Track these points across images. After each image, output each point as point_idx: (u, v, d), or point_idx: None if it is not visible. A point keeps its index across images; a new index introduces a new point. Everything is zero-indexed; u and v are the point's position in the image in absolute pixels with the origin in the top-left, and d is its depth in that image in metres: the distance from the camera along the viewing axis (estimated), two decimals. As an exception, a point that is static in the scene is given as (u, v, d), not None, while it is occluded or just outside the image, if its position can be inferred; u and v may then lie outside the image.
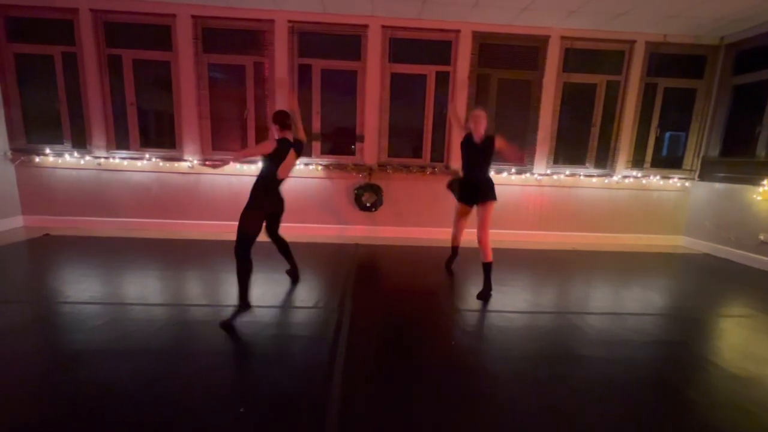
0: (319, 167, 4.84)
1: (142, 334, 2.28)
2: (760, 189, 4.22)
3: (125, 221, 4.87)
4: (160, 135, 4.86)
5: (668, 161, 5.20)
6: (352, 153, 4.98)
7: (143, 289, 3.00)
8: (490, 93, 4.92)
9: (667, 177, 5.07)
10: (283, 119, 2.72)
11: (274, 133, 2.74)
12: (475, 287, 3.21)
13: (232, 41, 4.64)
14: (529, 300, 3.12)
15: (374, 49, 4.65)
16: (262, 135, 4.83)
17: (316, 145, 4.94)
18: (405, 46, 4.75)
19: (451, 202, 4.94)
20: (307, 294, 3.03)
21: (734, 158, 4.72)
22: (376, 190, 4.92)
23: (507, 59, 4.84)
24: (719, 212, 4.80)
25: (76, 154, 4.68)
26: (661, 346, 2.44)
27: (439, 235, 5.02)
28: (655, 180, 5.07)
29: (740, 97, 4.74)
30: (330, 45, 4.72)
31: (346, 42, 4.70)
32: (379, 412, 1.70)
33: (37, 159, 4.65)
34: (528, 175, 4.99)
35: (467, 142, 3.28)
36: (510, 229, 5.11)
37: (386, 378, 1.97)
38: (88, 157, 4.70)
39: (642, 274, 3.91)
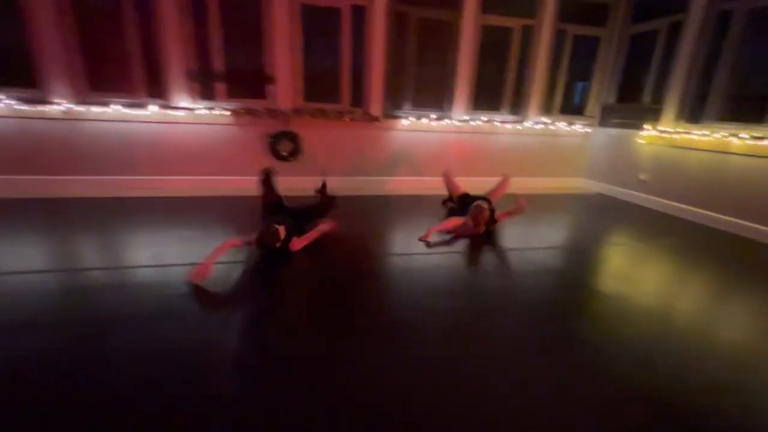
0: (225, 112, 4.35)
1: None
2: (643, 133, 4.70)
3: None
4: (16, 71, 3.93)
5: (575, 108, 5.54)
6: (262, 96, 4.53)
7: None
8: (409, 33, 4.69)
9: (572, 123, 5.43)
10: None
11: None
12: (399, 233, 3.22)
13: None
14: (436, 242, 3.22)
15: (280, -26, 4.10)
16: (152, 70, 4.15)
17: (221, 88, 4.40)
18: (315, -26, 4.25)
19: (370, 150, 4.80)
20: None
21: (626, 105, 5.16)
22: (293, 137, 4.60)
23: (426, -4, 4.59)
24: (612, 155, 5.32)
25: None
26: (550, 274, 2.72)
27: (362, 184, 4.93)
28: (561, 126, 5.40)
29: (637, 45, 5.08)
30: (226, -35, 4.05)
31: (245, -37, 4.07)
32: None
33: None
34: (447, 121, 5.01)
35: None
36: (431, 175, 5.18)
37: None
38: None
39: (544, 214, 4.26)
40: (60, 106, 3.97)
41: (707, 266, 3.02)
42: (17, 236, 2.91)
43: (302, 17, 4.36)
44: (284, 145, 4.60)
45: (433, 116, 4.92)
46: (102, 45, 4.05)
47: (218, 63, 4.32)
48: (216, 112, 4.33)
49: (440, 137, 5.06)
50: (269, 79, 4.44)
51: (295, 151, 4.65)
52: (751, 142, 3.57)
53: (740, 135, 3.65)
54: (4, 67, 3.91)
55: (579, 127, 5.47)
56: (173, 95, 4.24)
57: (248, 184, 4.63)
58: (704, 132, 3.99)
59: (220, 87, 4.40)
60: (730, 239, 3.60)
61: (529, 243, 3.37)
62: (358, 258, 2.87)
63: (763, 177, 3.54)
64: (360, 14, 4.49)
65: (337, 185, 4.84)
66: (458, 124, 5.03)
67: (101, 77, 4.12)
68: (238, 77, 4.45)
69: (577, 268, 2.90)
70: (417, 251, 2.96)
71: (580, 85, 5.50)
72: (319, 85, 4.69)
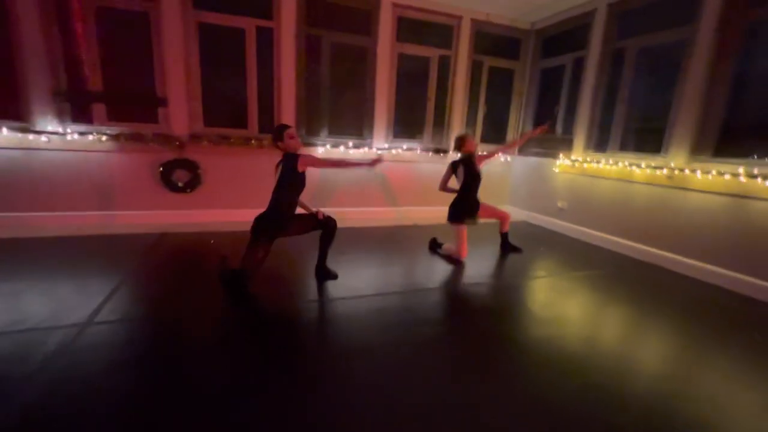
0: (103, 137, 3.74)
1: None
2: (557, 162, 4.78)
3: None
4: None
5: (495, 137, 5.59)
6: (153, 120, 3.99)
7: None
8: (322, 56, 4.46)
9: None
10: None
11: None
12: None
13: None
14: (371, 276, 2.85)
15: (169, -13, 3.70)
16: (7, 89, 3.48)
17: (99, 108, 3.81)
18: (214, -8, 3.91)
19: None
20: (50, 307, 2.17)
21: (541, 135, 5.28)
22: (190, 166, 4.08)
23: (340, 20, 4.41)
24: (532, 183, 5.38)
25: None
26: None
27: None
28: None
29: (547, 78, 5.28)
30: (104, -26, 3.58)
31: (127, -27, 3.63)
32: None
33: None
34: (366, 149, 4.77)
35: (467, 165, 3.48)
36: (354, 206, 4.87)
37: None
38: None
39: (471, 242, 4.04)
40: None
41: (618, 298, 2.92)
42: None
43: (201, 36, 3.96)
44: (179, 175, 4.06)
45: (350, 144, 4.66)
46: (-65, 56, 3.34)
47: (95, 82, 3.74)
48: (92, 137, 3.71)
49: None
50: (159, 101, 3.92)
51: (193, 182, 4.11)
52: (650, 171, 3.67)
53: (641, 164, 3.75)
54: None
55: (500, 156, 5.50)
56: (34, 117, 3.57)
57: (135, 219, 4.02)
58: (609, 161, 4.09)
59: (98, 109, 3.80)
60: (638, 266, 3.61)
61: (451, 276, 3.13)
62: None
63: (661, 204, 3.63)
64: (267, 35, 4.19)
65: (243, 218, 4.38)
66: (378, 152, 4.80)
67: (-66, 94, 3.38)
68: (121, 98, 3.89)
69: (500, 302, 2.69)
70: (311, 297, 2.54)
71: (497, 113, 5.58)
72: (223, 109, 4.26)
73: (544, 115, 5.25)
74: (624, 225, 3.99)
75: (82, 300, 2.28)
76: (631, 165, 3.85)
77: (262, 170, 4.36)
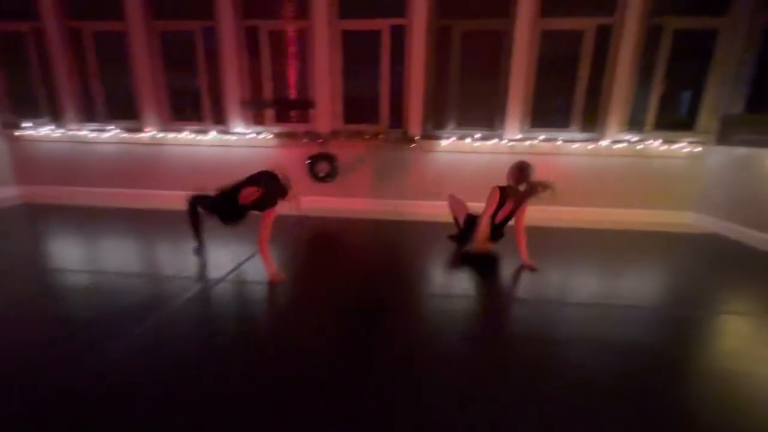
0: (270, 136, 4.68)
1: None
2: (779, 154, 3.32)
3: (102, 191, 5.14)
4: (123, 107, 4.97)
5: (678, 122, 4.29)
6: (306, 120, 4.74)
7: (121, 259, 3.05)
8: (452, 49, 4.34)
9: (672, 141, 4.20)
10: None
11: None
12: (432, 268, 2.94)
13: (181, 5, 4.53)
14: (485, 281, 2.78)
15: (321, 3, 4.26)
16: (215, 101, 4.76)
17: (270, 114, 4.77)
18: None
19: (407, 173, 4.53)
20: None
21: (758, 116, 3.75)
22: (330, 159, 4.68)
23: (472, 6, 4.20)
24: (737, 183, 3.91)
25: (53, 126, 4.97)
26: (643, 347, 1.94)
27: (394, 207, 4.70)
28: (656, 145, 4.22)
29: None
30: (275, 2, 4.42)
31: (291, -1, 4.38)
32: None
33: (23, 133, 5.01)
34: (496, 141, 4.41)
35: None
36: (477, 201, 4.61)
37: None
38: (62, 130, 4.97)
39: (629, 258, 3.29)
40: (150, 133, 4.85)
41: None
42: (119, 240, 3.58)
43: (343, 42, 4.45)
44: (321, 167, 4.70)
45: (478, 135, 4.40)
46: (180, 82, 4.83)
47: (268, 92, 4.70)
48: (262, 136, 4.70)
49: (487, 159, 4.48)
50: (310, 104, 4.62)
51: (331, 173, 4.70)
52: None
53: None
54: (115, 104, 4.98)
55: (684, 146, 4.20)
56: (231, 122, 4.76)
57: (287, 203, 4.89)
58: None
59: (269, 113, 4.77)
60: None
61: (604, 297, 2.54)
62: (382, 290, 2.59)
63: None
64: (400, 34, 4.36)
65: (371, 207, 4.75)
66: (509, 144, 4.38)
67: (178, 109, 4.91)
68: (285, 104, 4.77)
69: (667, 340, 2.04)
70: (453, 291, 2.58)
71: (684, 92, 4.24)
72: (359, 107, 4.68)
73: (763, 90, 3.72)
74: None
75: (226, 261, 2.96)
76: None
77: (387, 162, 4.64)
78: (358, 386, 1.59)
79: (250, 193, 2.50)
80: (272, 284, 2.55)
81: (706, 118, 4.18)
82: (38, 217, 4.23)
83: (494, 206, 2.90)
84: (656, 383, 1.64)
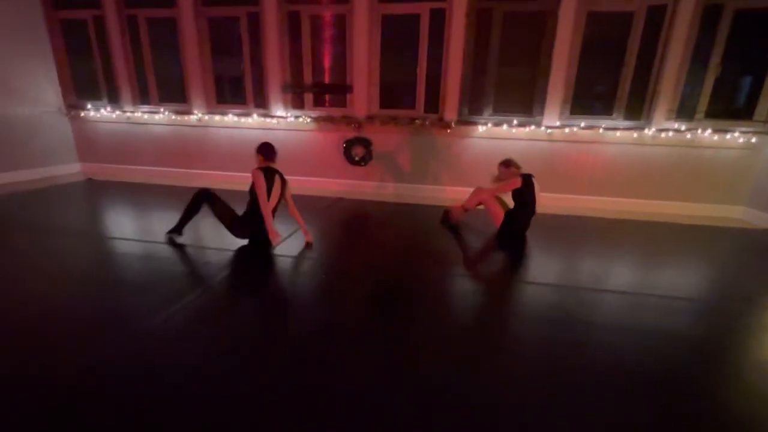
0: (308, 119, 4.83)
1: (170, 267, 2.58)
2: None
3: (150, 169, 5.52)
4: (173, 90, 5.26)
5: (731, 111, 4.04)
6: (343, 104, 4.84)
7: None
8: (493, 31, 4.27)
9: (724, 131, 3.97)
10: (267, 151, 2.88)
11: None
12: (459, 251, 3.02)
13: (227, -8, 4.71)
14: (537, 271, 2.80)
15: (361, -12, 4.30)
16: (258, 85, 4.95)
17: (309, 97, 4.91)
18: (395, -18, 4.31)
19: (441, 158, 4.54)
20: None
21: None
22: (365, 143, 4.78)
23: (515, -13, 4.10)
24: (797, 177, 3.66)
25: (110, 108, 5.36)
26: (687, 339, 1.92)
27: (429, 192, 4.76)
28: (706, 135, 4.01)
29: None
30: (317, -12, 4.50)
31: (332, -17, 4.43)
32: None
33: (82, 114, 5.45)
34: (534, 127, 4.34)
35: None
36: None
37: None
38: (118, 112, 5.35)
39: (676, 251, 3.22)
40: (196, 115, 5.13)
41: None
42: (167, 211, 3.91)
43: (382, 26, 4.48)
44: (357, 150, 4.81)
45: (515, 122, 4.34)
46: (226, 67, 5.05)
47: (308, 76, 4.83)
48: (301, 119, 4.85)
49: (523, 145, 4.42)
50: (347, 88, 4.72)
51: (366, 156, 4.80)
52: None
53: None
54: (166, 88, 5.28)
55: (738, 137, 3.96)
56: (272, 105, 4.95)
57: (322, 185, 5.06)
58: None
59: (308, 97, 4.90)
60: None
61: (649, 287, 2.48)
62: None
63: None
64: (439, 17, 4.33)
65: (405, 192, 4.83)
66: (548, 131, 4.30)
67: (223, 93, 5.15)
68: (323, 88, 4.88)
69: (712, 330, 2.02)
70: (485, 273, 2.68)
71: (742, 77, 3.97)
72: (396, 91, 4.72)
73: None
74: None
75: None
76: None
77: (422, 147, 4.68)
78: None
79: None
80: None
81: (766, 106, 3.91)
82: (99, 192, 4.63)
83: (509, 189, 3.21)
84: (696, 370, 1.66)
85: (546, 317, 2.08)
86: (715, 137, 4.00)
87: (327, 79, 4.84)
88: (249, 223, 2.82)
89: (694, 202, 4.27)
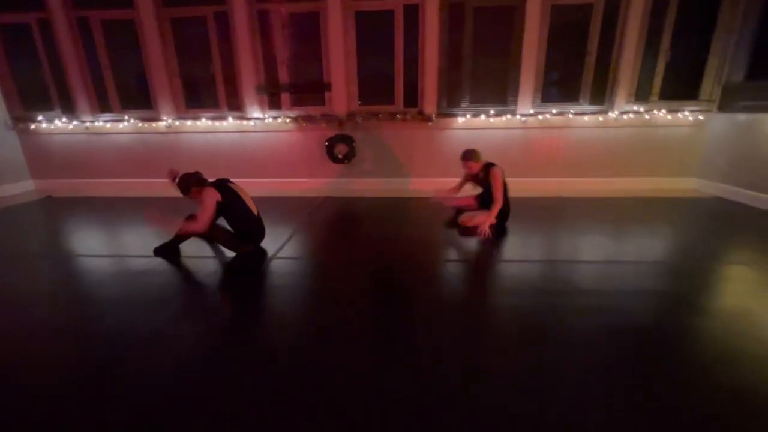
0: (287, 120, 4.75)
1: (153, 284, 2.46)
2: (781, 117, 3.54)
3: (116, 182, 5.19)
4: (137, 96, 4.96)
5: (681, 92, 4.48)
6: (322, 103, 4.81)
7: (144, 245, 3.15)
8: (465, 26, 4.42)
9: (676, 110, 4.40)
10: (196, 179, 2.66)
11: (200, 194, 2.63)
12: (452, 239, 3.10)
13: (191, -9, 4.50)
14: (516, 249, 2.97)
15: (334, -15, 4.29)
16: (230, 87, 4.79)
17: (285, 98, 4.83)
18: (367, -21, 4.33)
19: (424, 151, 4.65)
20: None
21: (762, 81, 3.95)
22: (347, 140, 4.78)
23: (484, -18, 4.27)
24: (738, 148, 4.14)
25: (65, 119, 4.96)
26: (654, 296, 2.17)
27: (416, 185, 4.86)
28: (661, 114, 4.42)
29: (776, 3, 3.87)
30: (288, -15, 4.42)
31: (303, -20, 4.38)
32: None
33: (33, 126, 4.99)
34: (509, 116, 4.56)
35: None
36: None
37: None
38: (75, 122, 4.96)
39: (637, 221, 3.53)
40: (165, 122, 4.87)
41: None
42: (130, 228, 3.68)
43: (356, 23, 4.49)
44: (339, 148, 4.81)
45: (492, 112, 4.54)
46: (194, 69, 4.83)
47: (283, 76, 4.74)
48: (280, 120, 4.76)
49: (501, 134, 4.64)
50: (326, 86, 4.69)
51: (349, 154, 4.81)
52: None
53: None
54: (128, 94, 4.97)
55: (687, 115, 4.40)
56: (247, 107, 4.81)
57: (306, 185, 5.01)
58: None
59: (285, 97, 4.82)
60: None
61: (618, 256, 2.78)
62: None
63: None
64: (413, 13, 4.41)
65: (389, 187, 4.90)
66: (522, 119, 4.54)
67: (194, 96, 4.93)
68: (300, 87, 4.81)
69: (677, 288, 2.26)
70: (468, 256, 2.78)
71: (687, 61, 4.41)
72: (374, 87, 4.76)
73: (765, 56, 3.91)
74: None
75: (270, 240, 3.11)
76: None
77: (405, 141, 4.77)
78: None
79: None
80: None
81: (709, 86, 4.38)
82: (57, 210, 4.26)
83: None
84: (674, 319, 1.90)
85: (537, 289, 2.29)
86: (669, 116, 4.42)
87: (303, 78, 4.78)
88: (248, 233, 2.79)
89: (652, 176, 4.70)
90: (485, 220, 3.11)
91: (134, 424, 1.32)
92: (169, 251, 2.79)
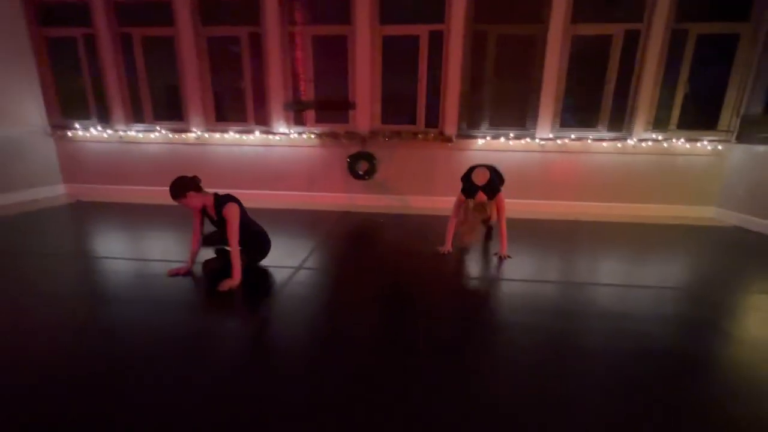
0: (312, 136, 4.92)
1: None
2: (801, 150, 3.58)
3: (143, 189, 5.37)
4: (169, 108, 5.20)
5: (699, 122, 4.55)
6: (346, 120, 4.98)
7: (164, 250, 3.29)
8: (487, 52, 4.59)
9: (695, 140, 4.46)
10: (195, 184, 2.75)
11: (197, 200, 2.72)
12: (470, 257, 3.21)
13: (228, 12, 4.76)
14: (533, 270, 3.00)
15: (363, 10, 4.51)
16: (259, 102, 4.99)
17: (310, 114, 5.01)
18: (395, 5, 4.55)
19: (443, 171, 4.66)
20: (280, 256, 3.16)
21: (778, 115, 4.01)
22: (369, 158, 4.91)
23: (507, 12, 4.45)
24: (758, 179, 4.16)
25: (99, 127, 5.20)
26: (674, 321, 2.18)
27: (435, 204, 4.95)
28: (680, 143, 4.48)
29: (795, 40, 3.96)
30: (319, 9, 4.67)
31: (334, 4, 4.61)
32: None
33: (70, 134, 5.24)
34: (528, 140, 4.66)
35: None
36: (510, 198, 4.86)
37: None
38: (110, 131, 5.19)
39: (655, 248, 3.55)
40: (195, 133, 5.08)
41: None
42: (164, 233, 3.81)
43: (383, 46, 4.69)
44: (361, 165, 4.94)
45: (511, 135, 4.65)
46: (225, 84, 5.07)
47: (310, 93, 4.94)
48: (305, 136, 4.93)
49: (520, 156, 4.74)
50: (351, 105, 4.87)
51: (370, 171, 4.94)
52: None
53: None
54: (162, 106, 5.21)
55: (706, 144, 4.46)
56: (274, 122, 5.00)
57: (328, 200, 5.13)
58: None
59: (310, 114, 5.00)
60: None
61: (635, 280, 2.79)
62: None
63: None
64: (438, 38, 4.60)
65: (409, 204, 4.99)
66: (541, 143, 4.64)
67: (224, 110, 5.15)
68: (326, 104, 5.00)
69: (700, 314, 2.27)
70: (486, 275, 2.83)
71: (706, 93, 4.49)
72: (397, 108, 4.92)
73: (784, 90, 3.99)
74: None
75: (295, 252, 3.20)
76: None
77: (425, 161, 4.89)
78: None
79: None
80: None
81: (727, 117, 4.44)
82: (86, 214, 4.43)
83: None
84: (691, 346, 1.92)
85: (548, 310, 2.31)
86: (687, 145, 4.48)
87: (329, 96, 4.97)
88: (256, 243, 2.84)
89: (671, 204, 4.72)
90: (504, 246, 3.13)
91: (133, 424, 1.37)
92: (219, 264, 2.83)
